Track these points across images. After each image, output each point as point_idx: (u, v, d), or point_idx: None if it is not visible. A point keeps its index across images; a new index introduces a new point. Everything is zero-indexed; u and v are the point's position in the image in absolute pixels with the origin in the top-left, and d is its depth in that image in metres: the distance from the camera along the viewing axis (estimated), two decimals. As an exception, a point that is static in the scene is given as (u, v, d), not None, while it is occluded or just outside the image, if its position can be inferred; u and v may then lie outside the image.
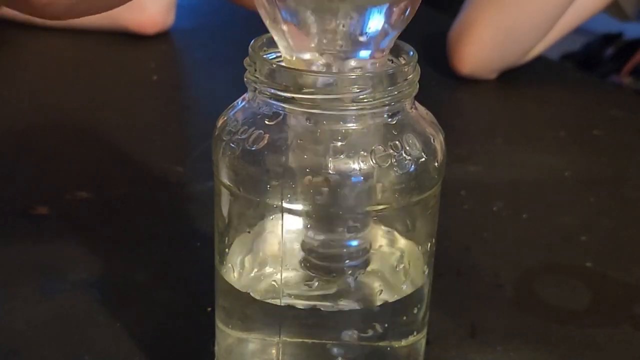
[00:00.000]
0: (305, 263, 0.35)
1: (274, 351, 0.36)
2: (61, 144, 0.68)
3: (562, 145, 0.73)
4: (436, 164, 0.34)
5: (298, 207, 0.33)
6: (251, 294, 0.36)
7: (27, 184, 0.61)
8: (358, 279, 0.36)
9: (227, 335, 0.38)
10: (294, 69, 0.32)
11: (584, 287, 0.51)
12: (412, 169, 0.33)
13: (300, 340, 0.36)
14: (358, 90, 0.31)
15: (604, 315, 0.48)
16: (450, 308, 0.48)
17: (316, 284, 0.35)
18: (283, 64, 0.33)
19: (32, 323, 0.45)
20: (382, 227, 0.36)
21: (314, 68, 0.32)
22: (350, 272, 0.35)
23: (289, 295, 0.35)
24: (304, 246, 0.35)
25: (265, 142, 0.32)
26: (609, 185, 0.65)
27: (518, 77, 0.86)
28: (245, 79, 0.33)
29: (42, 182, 0.61)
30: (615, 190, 0.64)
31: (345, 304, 0.35)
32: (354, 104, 0.32)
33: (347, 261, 0.35)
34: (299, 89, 0.31)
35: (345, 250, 0.35)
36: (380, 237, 0.36)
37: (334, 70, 0.32)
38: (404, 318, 0.36)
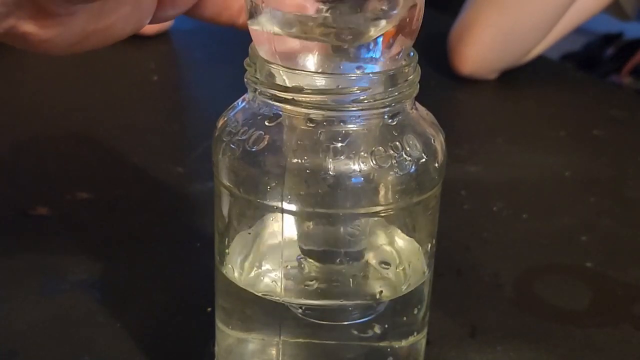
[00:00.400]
0: (305, 263, 0.35)
1: (274, 351, 0.36)
2: (61, 144, 0.68)
3: (562, 145, 0.73)
4: (436, 164, 0.34)
5: (298, 208, 0.33)
6: (251, 294, 0.36)
7: (27, 184, 0.61)
8: (358, 280, 0.36)
9: (227, 335, 0.38)
10: (294, 69, 0.32)
11: (584, 287, 0.51)
12: (412, 170, 0.33)
13: (300, 340, 0.36)
14: (358, 92, 0.31)
15: (604, 315, 0.48)
16: (450, 308, 0.48)
17: (316, 284, 0.35)
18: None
19: (32, 323, 0.45)
20: (382, 228, 0.36)
21: (314, 69, 0.32)
22: (350, 272, 0.35)
23: (289, 296, 0.35)
24: (304, 246, 0.35)
25: (266, 143, 0.32)
26: (609, 185, 0.65)
27: (518, 77, 0.86)
28: (245, 80, 0.33)
29: (42, 182, 0.61)
30: (615, 190, 0.64)
31: (345, 304, 0.35)
32: (354, 105, 0.32)
33: (347, 261, 0.35)
34: (299, 90, 0.31)
35: (345, 250, 0.35)
36: (380, 237, 0.36)
37: (334, 71, 0.32)
38: (404, 318, 0.36)
